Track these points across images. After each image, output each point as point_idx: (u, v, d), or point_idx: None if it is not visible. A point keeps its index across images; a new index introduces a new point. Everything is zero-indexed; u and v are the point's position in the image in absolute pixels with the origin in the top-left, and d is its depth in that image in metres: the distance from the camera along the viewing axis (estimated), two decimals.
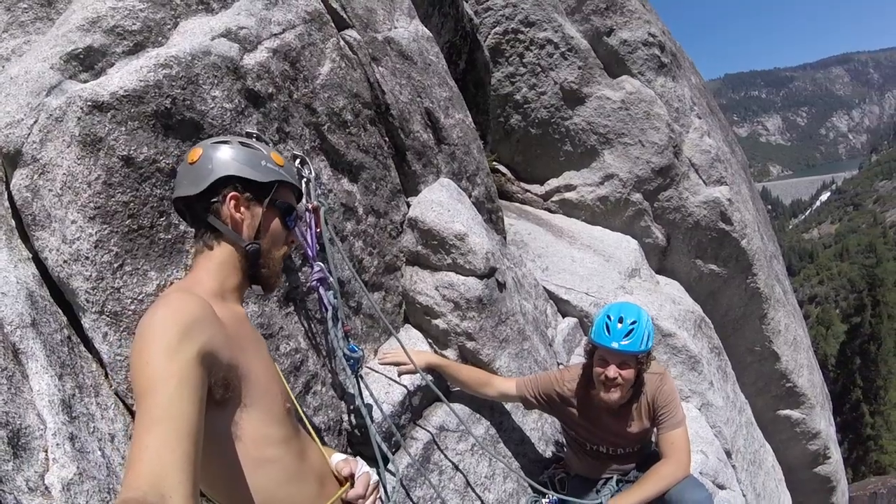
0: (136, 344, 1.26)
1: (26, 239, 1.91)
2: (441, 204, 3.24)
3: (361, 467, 1.76)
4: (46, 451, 1.54)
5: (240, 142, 1.66)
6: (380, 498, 1.84)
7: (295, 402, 1.74)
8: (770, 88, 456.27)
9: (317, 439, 1.72)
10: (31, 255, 1.90)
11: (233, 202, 1.57)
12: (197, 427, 1.15)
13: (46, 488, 1.47)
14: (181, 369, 1.19)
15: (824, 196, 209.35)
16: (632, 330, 2.73)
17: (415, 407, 2.85)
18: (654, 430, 3.02)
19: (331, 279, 2.49)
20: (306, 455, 1.61)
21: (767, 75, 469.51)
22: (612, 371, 2.77)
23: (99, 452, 1.69)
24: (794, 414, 7.49)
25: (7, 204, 1.92)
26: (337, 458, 1.78)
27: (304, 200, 2.50)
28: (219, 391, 1.34)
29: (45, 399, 1.61)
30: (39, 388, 1.62)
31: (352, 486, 1.70)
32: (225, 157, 1.60)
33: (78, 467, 1.56)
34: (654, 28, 6.29)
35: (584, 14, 6.25)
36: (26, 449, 1.49)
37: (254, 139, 2.22)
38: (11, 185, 1.88)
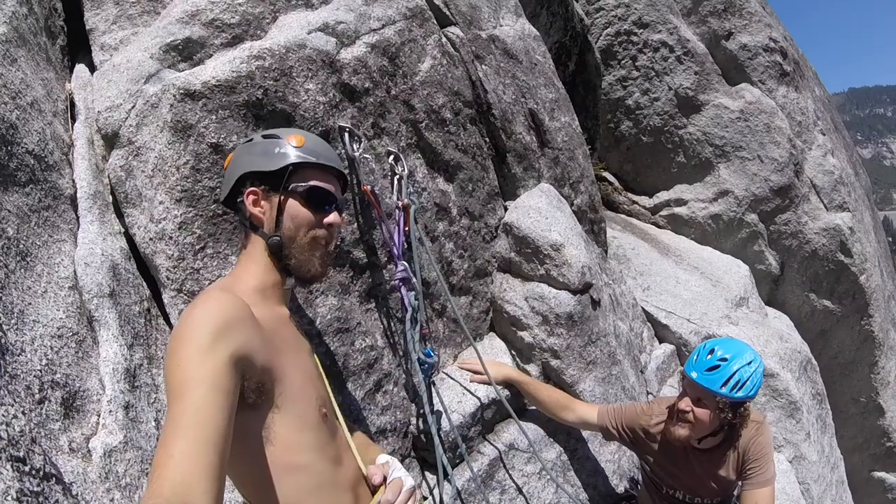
0: (171, 343, 1.24)
1: (121, 215, 2.00)
2: (539, 210, 3.11)
3: (394, 472, 1.66)
4: (98, 416, 1.57)
5: (263, 135, 1.63)
6: None
7: (336, 407, 1.68)
8: None
9: (354, 446, 1.66)
10: (122, 231, 1.99)
11: (251, 198, 1.55)
12: (225, 435, 1.13)
13: (88, 451, 1.49)
14: (213, 372, 1.17)
15: None
16: (718, 366, 2.44)
17: (486, 420, 2.74)
18: (739, 483, 2.73)
19: (414, 280, 2.42)
20: (342, 462, 1.56)
21: (895, 91, 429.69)
22: (684, 403, 2.52)
23: (153, 423, 1.73)
24: (890, 478, 6.82)
25: (106, 181, 2.02)
26: (381, 459, 1.72)
27: (394, 197, 2.47)
28: (251, 395, 1.32)
29: (109, 366, 1.66)
30: (107, 355, 1.67)
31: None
32: (242, 155, 1.59)
33: (125, 436, 1.58)
34: (775, 33, 5.86)
35: (700, 16, 5.92)
36: (80, 411, 1.53)
37: (346, 133, 2.20)
38: (108, 165, 2.00)
